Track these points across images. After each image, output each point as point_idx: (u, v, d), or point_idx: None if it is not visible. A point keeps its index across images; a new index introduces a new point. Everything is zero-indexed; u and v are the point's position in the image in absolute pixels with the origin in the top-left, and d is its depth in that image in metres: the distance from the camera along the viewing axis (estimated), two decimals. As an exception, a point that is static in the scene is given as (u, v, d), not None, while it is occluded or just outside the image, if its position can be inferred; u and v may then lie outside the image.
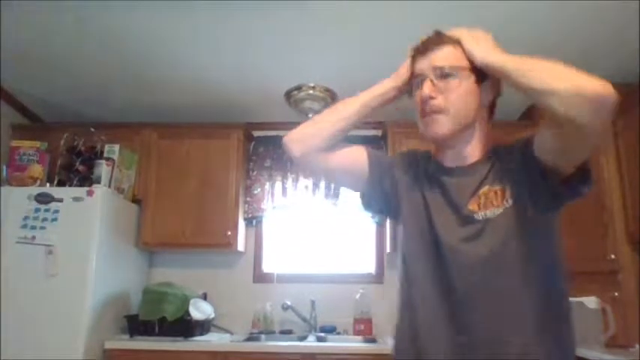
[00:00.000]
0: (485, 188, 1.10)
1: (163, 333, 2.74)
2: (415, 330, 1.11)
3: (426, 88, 1.09)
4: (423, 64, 1.13)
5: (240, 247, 3.23)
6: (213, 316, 3.03)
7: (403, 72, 1.21)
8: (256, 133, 3.51)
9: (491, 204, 1.08)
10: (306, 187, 3.36)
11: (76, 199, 2.68)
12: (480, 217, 1.08)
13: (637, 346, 2.46)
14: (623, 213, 2.69)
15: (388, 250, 3.18)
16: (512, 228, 1.07)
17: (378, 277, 3.32)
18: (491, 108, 1.20)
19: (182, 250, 3.30)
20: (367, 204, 1.28)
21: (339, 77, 2.89)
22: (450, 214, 1.11)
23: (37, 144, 2.96)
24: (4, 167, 2.89)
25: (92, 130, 3.09)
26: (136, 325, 2.79)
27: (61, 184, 2.88)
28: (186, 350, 2.62)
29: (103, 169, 2.85)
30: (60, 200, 2.68)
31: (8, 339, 2.48)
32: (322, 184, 3.34)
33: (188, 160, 3.21)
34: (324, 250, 3.39)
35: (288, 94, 3.07)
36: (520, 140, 1.14)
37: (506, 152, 1.16)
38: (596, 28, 2.35)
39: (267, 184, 3.38)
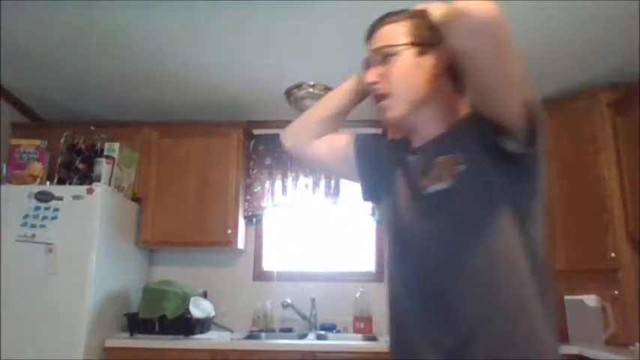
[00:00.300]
0: (440, 159, 0.99)
1: (163, 331, 2.75)
2: (397, 331, 1.05)
3: (369, 75, 1.06)
4: (369, 51, 1.09)
5: (241, 245, 3.23)
6: (213, 314, 3.03)
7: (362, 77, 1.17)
8: (256, 132, 3.51)
9: (445, 175, 0.96)
10: (306, 185, 3.36)
11: (76, 197, 2.68)
12: (432, 191, 0.98)
13: (637, 344, 2.47)
14: (623, 212, 2.69)
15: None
16: (466, 197, 0.94)
17: (378, 276, 3.32)
18: (455, 74, 1.00)
19: (182, 248, 3.30)
20: (364, 193, 1.23)
21: (339, 76, 2.88)
22: (409, 197, 1.03)
23: (37, 142, 2.95)
24: (4, 165, 2.88)
25: (92, 128, 3.08)
26: (136, 324, 2.79)
27: (61, 182, 2.88)
28: (187, 348, 2.63)
29: (103, 167, 2.85)
30: (60, 198, 2.68)
31: (8, 338, 2.48)
32: (322, 182, 3.35)
33: (188, 158, 3.21)
34: (324, 248, 3.40)
35: (288, 93, 3.07)
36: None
37: (461, 123, 1.03)
38: (596, 28, 2.35)
39: (267, 182, 3.38)
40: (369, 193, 1.21)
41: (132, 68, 2.81)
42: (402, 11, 1.07)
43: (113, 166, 2.91)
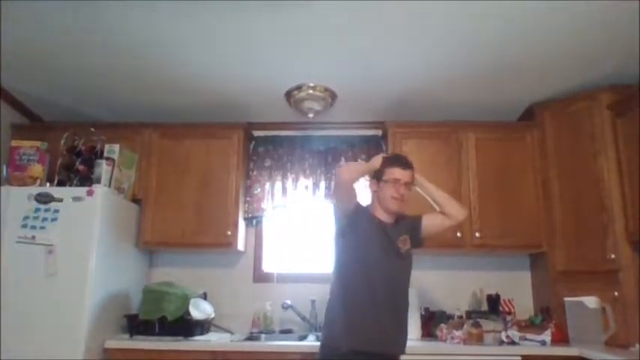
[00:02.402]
0: (402, 237, 2.20)
1: (163, 332, 2.74)
2: (375, 309, 2.07)
3: (403, 189, 2.18)
4: (403, 175, 2.19)
5: (241, 246, 3.23)
6: (213, 315, 3.02)
7: (378, 163, 2.23)
8: (256, 133, 3.51)
9: (405, 244, 2.20)
10: (306, 187, 3.36)
11: (76, 198, 2.68)
12: (403, 251, 2.18)
13: (637, 345, 2.47)
14: (623, 213, 2.70)
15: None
16: (410, 258, 2.24)
17: (378, 277, 3.32)
18: None
19: (182, 249, 3.30)
20: (341, 224, 2.18)
21: (339, 77, 2.89)
22: (391, 245, 2.16)
23: (37, 144, 2.95)
24: (4, 167, 2.89)
25: (92, 129, 3.08)
26: (136, 325, 2.79)
27: (61, 183, 2.88)
28: (187, 350, 2.62)
29: (103, 168, 2.85)
30: (60, 200, 2.68)
31: (8, 339, 2.48)
32: (322, 184, 3.35)
33: (188, 159, 3.21)
34: (324, 250, 3.39)
35: (289, 94, 3.07)
36: (413, 216, 2.28)
37: (406, 220, 2.27)
38: (596, 30, 2.35)
39: (267, 183, 3.38)
40: (348, 226, 2.16)
41: (132, 70, 2.81)
42: (411, 162, 2.25)
43: (113, 167, 2.91)
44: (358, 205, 2.20)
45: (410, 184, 2.20)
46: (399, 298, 2.14)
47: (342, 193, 2.18)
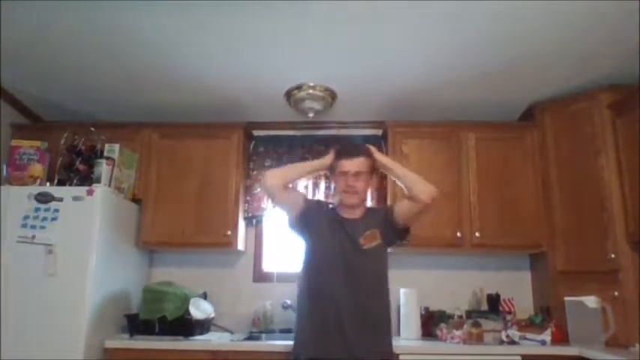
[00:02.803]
0: (368, 232, 2.05)
1: (163, 332, 2.74)
2: (329, 322, 1.95)
3: (350, 181, 2.05)
4: (349, 166, 2.06)
5: (241, 246, 3.23)
6: (213, 315, 3.03)
7: (330, 160, 2.12)
8: (256, 133, 3.51)
9: (371, 240, 2.05)
10: (306, 186, 3.36)
11: (76, 198, 2.68)
12: (366, 247, 2.04)
13: (637, 345, 2.47)
14: (623, 213, 2.70)
15: (388, 249, 3.17)
16: (379, 254, 2.08)
17: (378, 277, 3.33)
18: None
19: (182, 249, 3.30)
20: (292, 227, 2.16)
21: (339, 77, 2.89)
22: (349, 242, 2.04)
23: (37, 143, 2.95)
24: (4, 166, 2.88)
25: (92, 129, 3.08)
26: (136, 325, 2.79)
27: (61, 183, 2.87)
28: (187, 349, 2.62)
29: (103, 168, 2.85)
30: (60, 199, 2.68)
31: (8, 338, 2.48)
32: (322, 183, 3.35)
33: (188, 159, 3.21)
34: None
35: (289, 94, 3.07)
36: (385, 207, 2.26)
37: (376, 212, 2.19)
38: (596, 28, 2.35)
39: (267, 183, 3.38)
40: (298, 228, 2.14)
41: (132, 69, 2.81)
42: (363, 148, 2.13)
43: (113, 167, 2.91)
44: (308, 205, 2.13)
45: (362, 173, 2.06)
46: (365, 299, 1.97)
47: (274, 199, 2.12)
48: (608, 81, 2.83)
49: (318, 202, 2.23)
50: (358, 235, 2.03)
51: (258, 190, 3.36)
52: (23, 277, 2.57)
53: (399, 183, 2.10)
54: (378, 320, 1.99)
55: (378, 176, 2.15)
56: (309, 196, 3.05)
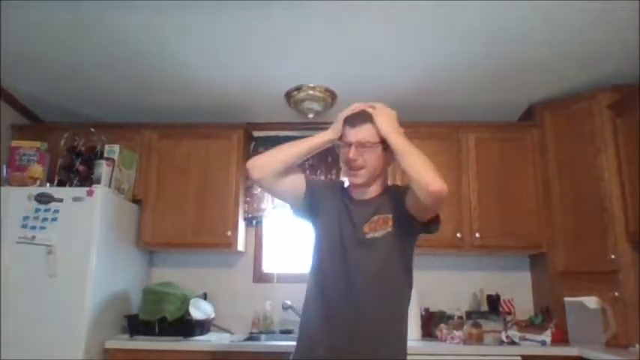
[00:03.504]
0: (375, 217, 1.60)
1: (163, 333, 2.75)
2: (324, 315, 1.60)
3: (351, 153, 1.59)
4: (351, 135, 1.61)
5: (240, 247, 3.23)
6: (213, 315, 3.03)
7: (338, 130, 1.65)
8: (256, 134, 3.51)
9: (377, 228, 1.59)
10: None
11: (76, 199, 2.68)
12: (369, 237, 1.59)
13: (637, 345, 2.46)
14: (623, 213, 2.69)
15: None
16: (389, 246, 1.58)
17: (378, 277, 3.32)
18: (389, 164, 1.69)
19: (182, 249, 3.30)
20: (297, 212, 1.77)
21: (339, 77, 2.89)
22: (352, 230, 1.62)
23: (37, 144, 2.96)
24: (4, 167, 2.89)
25: (92, 130, 3.08)
26: (136, 325, 2.79)
27: (61, 184, 2.88)
28: (186, 350, 2.62)
29: (103, 169, 2.85)
30: (60, 200, 2.68)
31: (8, 339, 2.48)
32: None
33: (188, 160, 3.21)
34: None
35: (289, 95, 3.07)
36: (405, 187, 1.57)
37: (395, 192, 1.65)
38: (596, 29, 2.35)
39: (267, 184, 3.37)
40: (304, 214, 1.74)
41: (132, 70, 2.81)
42: (367, 115, 1.61)
43: (113, 167, 2.92)
44: (312, 187, 1.71)
45: (370, 144, 1.58)
46: (366, 300, 1.55)
47: (270, 193, 1.77)
48: (608, 81, 2.82)
49: (327, 181, 1.85)
50: (363, 221, 1.60)
51: (259, 190, 3.36)
52: (23, 277, 2.57)
53: (402, 165, 1.53)
54: (381, 324, 1.56)
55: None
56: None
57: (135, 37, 2.47)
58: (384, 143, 1.58)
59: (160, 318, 2.76)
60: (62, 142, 3.01)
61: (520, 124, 3.30)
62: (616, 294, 2.63)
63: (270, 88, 3.00)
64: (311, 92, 3.00)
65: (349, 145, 1.60)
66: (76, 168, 2.93)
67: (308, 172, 3.36)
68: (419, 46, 2.53)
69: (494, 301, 3.06)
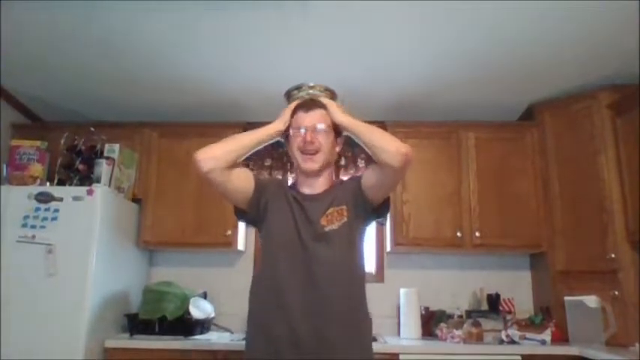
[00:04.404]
0: (330, 209, 1.60)
1: (163, 332, 2.75)
2: (282, 306, 1.52)
3: (308, 136, 1.60)
4: (306, 120, 1.63)
5: (240, 246, 3.23)
6: (213, 315, 3.03)
7: (286, 121, 1.68)
8: (256, 133, 3.50)
9: (334, 220, 1.59)
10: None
11: (76, 198, 2.68)
12: (327, 230, 1.58)
13: (637, 344, 2.47)
14: (623, 213, 2.70)
15: (388, 249, 3.18)
16: (347, 234, 1.60)
17: (378, 276, 3.32)
18: (338, 155, 1.76)
19: (182, 249, 3.30)
20: (241, 216, 1.72)
21: (339, 77, 2.88)
22: (308, 226, 1.59)
23: (37, 143, 2.95)
24: (4, 166, 2.88)
25: (92, 129, 3.08)
26: (136, 324, 2.79)
27: (61, 183, 2.87)
28: (187, 349, 2.62)
29: (103, 168, 2.85)
30: (60, 199, 2.68)
31: (8, 338, 2.48)
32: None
33: (188, 159, 3.16)
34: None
35: (288, 94, 3.04)
36: (354, 178, 1.70)
37: (346, 183, 1.72)
38: (596, 29, 2.35)
39: (267, 183, 3.37)
40: (251, 216, 1.68)
41: (132, 69, 2.81)
42: (319, 102, 1.68)
43: (113, 166, 2.91)
44: (260, 185, 1.67)
45: (323, 130, 1.62)
46: (332, 291, 1.52)
47: (216, 188, 1.61)
48: (608, 81, 2.83)
49: (273, 180, 1.77)
50: (319, 216, 1.58)
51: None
52: (23, 277, 2.56)
53: (363, 146, 1.58)
54: (346, 322, 1.53)
55: (342, 139, 1.71)
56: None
57: (135, 37, 2.47)
58: (335, 132, 1.66)
59: (159, 317, 2.76)
60: (62, 142, 3.01)
61: (520, 124, 3.30)
62: (616, 293, 2.63)
63: (269, 87, 3.00)
64: (311, 91, 2.96)
65: (304, 129, 1.62)
66: (76, 167, 2.92)
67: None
68: (419, 46, 2.53)
69: (494, 300, 3.06)
